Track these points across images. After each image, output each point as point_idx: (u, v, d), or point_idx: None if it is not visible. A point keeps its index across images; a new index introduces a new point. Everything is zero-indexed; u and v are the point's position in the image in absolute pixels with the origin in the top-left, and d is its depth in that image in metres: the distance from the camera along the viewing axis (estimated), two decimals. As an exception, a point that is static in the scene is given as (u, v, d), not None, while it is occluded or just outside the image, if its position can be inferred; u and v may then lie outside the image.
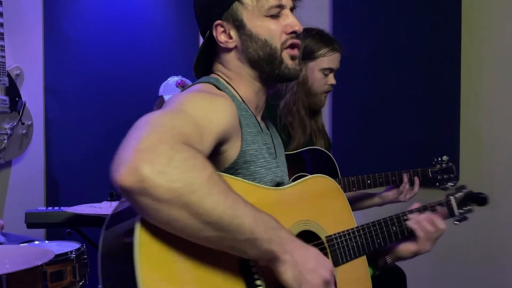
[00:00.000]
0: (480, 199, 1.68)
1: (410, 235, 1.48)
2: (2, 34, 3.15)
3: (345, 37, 3.01)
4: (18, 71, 3.29)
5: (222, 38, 1.29)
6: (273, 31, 1.28)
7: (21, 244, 2.42)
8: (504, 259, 2.79)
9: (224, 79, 1.32)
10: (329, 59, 2.17)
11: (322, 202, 1.37)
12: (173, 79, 3.22)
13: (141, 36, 3.55)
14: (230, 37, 1.29)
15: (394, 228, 1.46)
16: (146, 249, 0.91)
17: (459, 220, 1.64)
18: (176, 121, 0.99)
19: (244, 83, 1.33)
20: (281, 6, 1.28)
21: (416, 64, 3.03)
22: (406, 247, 1.49)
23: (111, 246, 1.00)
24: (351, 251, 1.36)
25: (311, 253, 1.07)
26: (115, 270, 0.98)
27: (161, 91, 3.22)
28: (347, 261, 1.35)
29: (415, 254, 1.49)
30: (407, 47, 3.07)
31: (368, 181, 2.22)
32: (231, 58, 1.32)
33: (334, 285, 1.12)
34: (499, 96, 2.80)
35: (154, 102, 3.26)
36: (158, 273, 0.92)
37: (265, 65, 1.29)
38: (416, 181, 2.21)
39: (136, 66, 3.52)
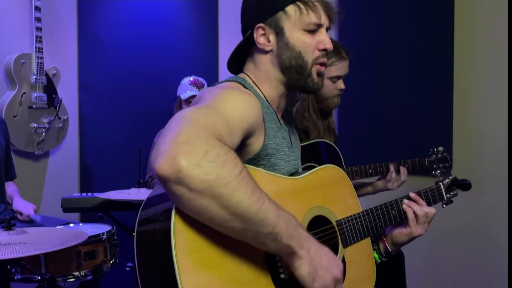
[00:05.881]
0: (464, 185, 1.77)
1: (405, 219, 1.56)
2: (41, 37, 3.28)
3: (350, 40, 3.15)
4: (55, 71, 3.43)
5: (261, 40, 1.33)
6: (308, 45, 1.32)
7: (58, 227, 2.53)
8: (492, 239, 2.85)
9: (251, 79, 1.37)
10: (336, 68, 2.16)
11: (333, 190, 1.43)
12: (187, 79, 3.29)
13: (165, 39, 3.64)
14: (269, 41, 1.33)
15: (393, 212, 1.54)
16: (181, 236, 0.97)
17: (446, 203, 1.78)
18: (209, 117, 1.03)
19: (270, 84, 1.36)
20: (319, 25, 1.33)
21: (414, 66, 3.09)
22: (400, 231, 1.57)
23: (148, 233, 1.05)
24: (358, 233, 1.43)
25: (325, 251, 1.12)
26: (153, 253, 1.02)
27: (178, 91, 3.33)
28: (354, 242, 1.41)
29: (409, 236, 1.56)
30: (405, 52, 3.14)
31: (370, 170, 2.28)
32: (264, 60, 1.36)
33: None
34: (488, 95, 2.83)
35: (175, 101, 3.39)
36: (192, 258, 0.98)
37: (294, 74, 1.34)
38: (402, 170, 2.25)
39: (160, 66, 3.63)
